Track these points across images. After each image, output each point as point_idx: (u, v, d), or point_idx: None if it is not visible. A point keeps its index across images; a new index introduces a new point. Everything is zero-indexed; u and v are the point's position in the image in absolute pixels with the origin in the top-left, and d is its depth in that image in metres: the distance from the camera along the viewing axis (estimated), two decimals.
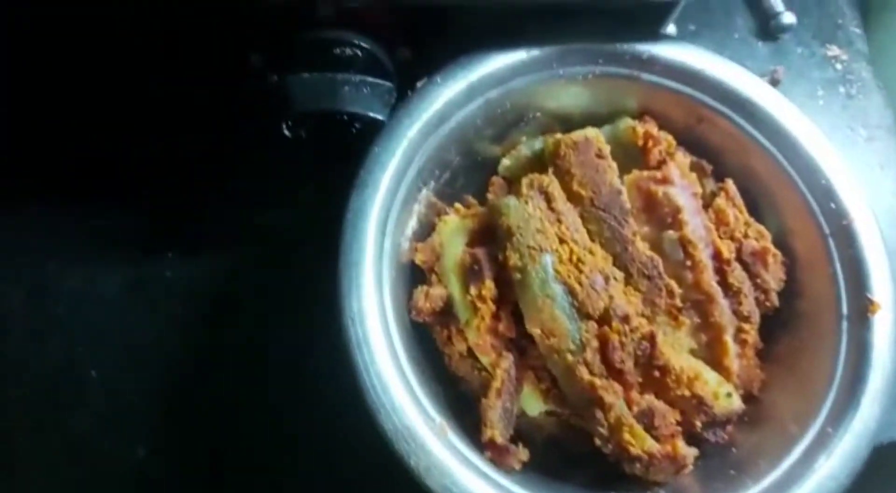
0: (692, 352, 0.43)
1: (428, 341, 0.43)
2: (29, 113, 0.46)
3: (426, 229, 0.45)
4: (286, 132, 0.38)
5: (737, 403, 0.41)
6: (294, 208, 0.47)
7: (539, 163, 0.46)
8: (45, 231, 0.46)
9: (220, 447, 0.43)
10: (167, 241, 0.47)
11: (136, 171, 0.47)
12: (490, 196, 0.46)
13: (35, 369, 0.44)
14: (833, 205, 0.42)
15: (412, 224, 0.43)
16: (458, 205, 0.46)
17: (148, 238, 0.47)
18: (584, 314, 0.39)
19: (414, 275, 0.43)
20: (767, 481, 0.38)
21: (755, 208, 0.45)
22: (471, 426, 0.40)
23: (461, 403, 0.42)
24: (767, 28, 0.59)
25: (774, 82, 0.57)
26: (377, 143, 0.39)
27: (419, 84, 0.41)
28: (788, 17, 0.58)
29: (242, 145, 0.46)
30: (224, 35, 0.39)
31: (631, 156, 0.45)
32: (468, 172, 0.47)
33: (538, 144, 0.47)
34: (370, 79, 0.40)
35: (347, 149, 0.40)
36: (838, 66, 0.60)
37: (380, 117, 0.39)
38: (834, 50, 0.60)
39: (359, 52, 0.38)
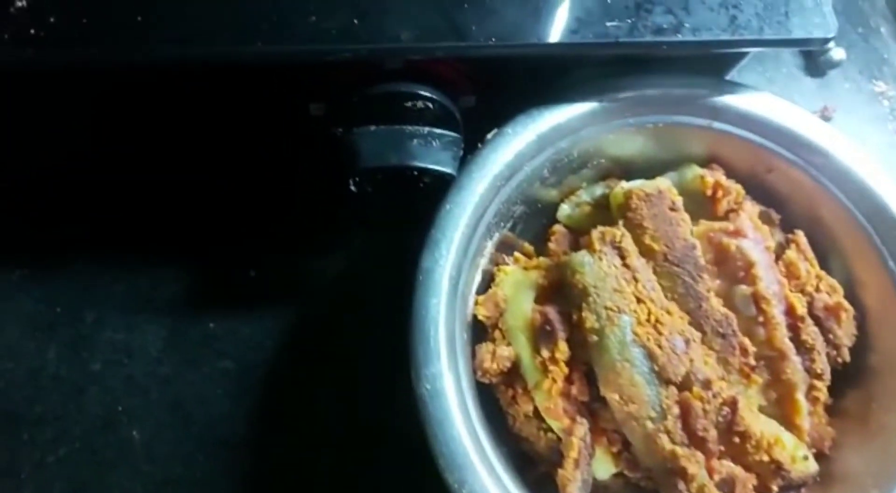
0: (761, 410, 0.42)
1: (489, 396, 0.41)
2: (72, 162, 0.43)
3: (485, 281, 0.43)
4: (352, 188, 0.36)
5: (813, 466, 0.40)
6: (347, 256, 0.45)
7: (601, 211, 0.44)
8: (84, 282, 0.44)
9: None
10: (209, 291, 0.45)
11: (180, 220, 0.45)
12: (552, 246, 0.44)
13: (72, 429, 0.42)
14: None
15: (478, 278, 0.41)
16: (517, 254, 0.44)
17: (191, 288, 0.44)
18: (664, 380, 0.37)
19: (476, 330, 0.42)
20: None
21: (822, 258, 0.44)
22: (533, 484, 0.38)
23: (522, 462, 0.40)
24: (816, 63, 0.58)
25: (825, 119, 0.56)
26: (449, 199, 0.37)
27: (489, 136, 0.39)
28: (838, 54, 0.57)
29: (295, 194, 0.44)
30: (285, 87, 0.37)
31: (698, 204, 0.44)
32: (527, 219, 0.45)
33: (599, 189, 0.45)
34: (438, 130, 0.38)
35: (414, 203, 0.38)
36: (885, 103, 0.59)
37: (450, 171, 0.37)
38: (881, 86, 0.59)
39: (428, 104, 0.36)
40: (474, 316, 0.41)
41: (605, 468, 0.39)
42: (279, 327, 0.44)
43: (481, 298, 0.42)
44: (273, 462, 0.41)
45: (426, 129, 0.37)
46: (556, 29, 0.35)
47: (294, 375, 0.44)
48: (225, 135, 0.41)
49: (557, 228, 0.45)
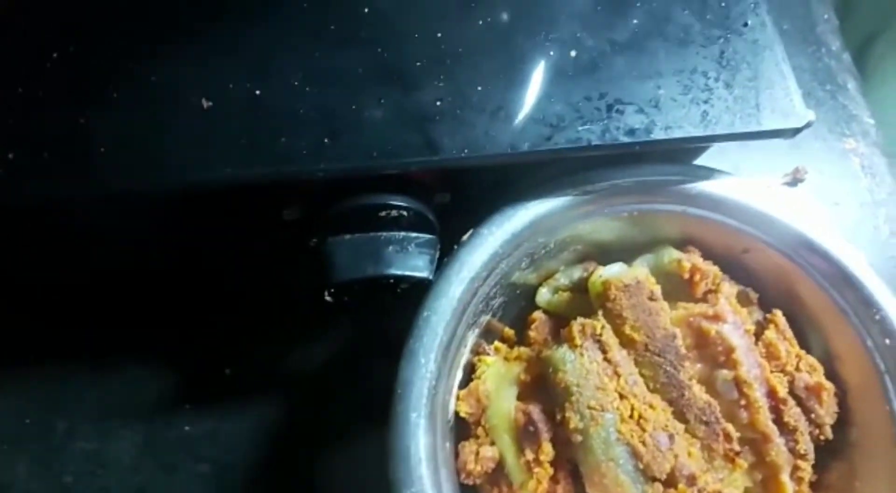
0: (747, 490, 0.41)
1: None
2: (36, 263, 0.42)
3: (466, 372, 0.42)
4: (328, 298, 0.36)
5: None
6: (325, 348, 0.44)
7: (580, 294, 0.44)
8: (53, 390, 0.43)
9: None
10: (184, 392, 0.44)
11: (152, 321, 0.44)
12: (532, 334, 0.44)
13: None
14: (888, 341, 0.41)
15: (457, 376, 0.41)
16: (498, 344, 0.44)
17: (165, 391, 0.43)
18: (649, 477, 0.37)
19: (458, 428, 0.41)
20: None
21: (801, 335, 0.44)
22: None
23: None
24: None
25: (796, 181, 0.57)
26: (426, 306, 0.37)
27: (465, 237, 0.39)
28: (808, 115, 0.58)
29: (269, 290, 0.43)
30: (257, 198, 0.36)
31: (675, 285, 0.44)
32: (506, 306, 0.44)
33: (577, 273, 0.45)
34: (413, 234, 0.37)
35: (390, 305, 0.37)
36: (855, 160, 0.59)
37: (426, 276, 0.37)
38: (851, 143, 0.60)
39: (403, 212, 0.36)
40: (456, 412, 0.41)
41: None
42: (256, 427, 0.43)
43: (463, 393, 0.41)
44: None
45: (401, 234, 0.37)
46: (529, 136, 0.35)
47: (273, 475, 0.42)
48: (195, 241, 0.40)
49: (537, 314, 0.44)
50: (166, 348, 0.44)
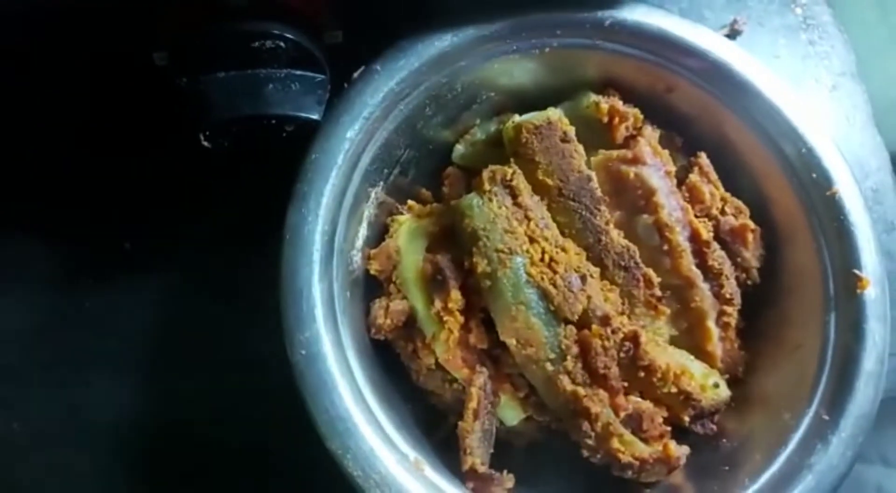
0: (672, 339, 0.40)
1: (389, 353, 0.39)
2: None
3: (378, 232, 0.40)
4: (205, 143, 0.33)
5: (724, 392, 0.39)
6: (221, 217, 0.41)
7: (496, 148, 0.42)
8: None
9: (164, 478, 0.39)
10: (83, 267, 0.41)
11: (43, 190, 0.41)
12: (445, 190, 0.42)
13: None
14: (815, 175, 0.39)
15: (362, 231, 0.38)
16: (411, 202, 0.42)
17: (62, 266, 0.41)
18: (561, 319, 0.36)
19: (369, 285, 0.39)
20: (764, 477, 0.36)
21: (729, 177, 0.42)
22: (444, 443, 0.37)
23: (431, 416, 0.39)
24: None
25: (735, 33, 0.53)
26: (314, 149, 0.34)
27: (356, 74, 0.36)
28: None
29: (159, 154, 0.40)
30: (124, 31, 0.32)
31: (595, 133, 0.41)
32: (419, 163, 0.42)
33: (493, 126, 0.42)
34: (298, 72, 0.34)
35: (282, 152, 0.35)
36: (798, 11, 0.56)
37: (314, 117, 0.34)
38: None
39: (282, 44, 0.33)
40: (368, 272, 0.39)
41: (512, 413, 0.38)
42: (159, 300, 0.41)
43: (374, 251, 0.39)
44: (164, 442, 0.39)
45: (284, 71, 0.34)
46: None
47: (177, 346, 0.41)
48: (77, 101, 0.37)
49: (451, 170, 0.42)
50: (60, 222, 0.41)
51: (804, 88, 0.53)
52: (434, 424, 0.39)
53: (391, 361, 0.39)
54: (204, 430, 0.40)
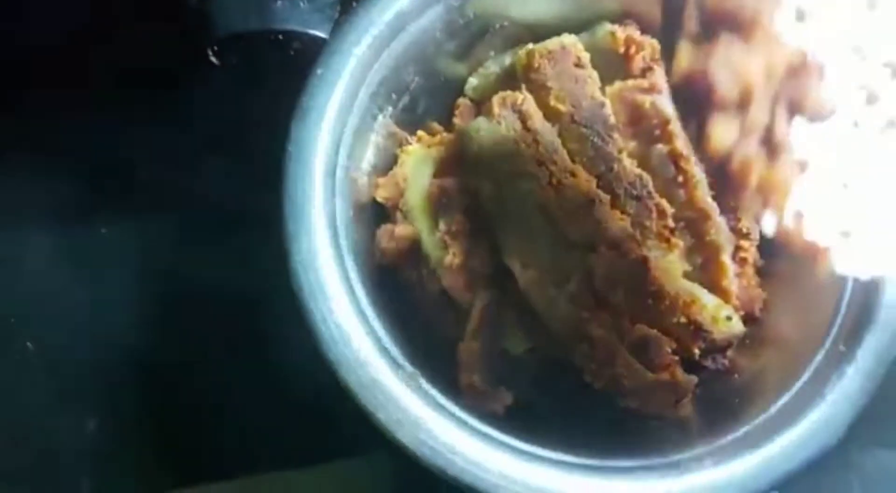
0: (686, 274, 0.39)
1: (397, 284, 0.39)
2: None
3: (387, 163, 0.40)
4: (213, 59, 0.33)
5: (737, 326, 0.38)
6: (239, 155, 0.42)
7: (511, 81, 0.41)
8: None
9: (171, 412, 0.40)
10: (98, 196, 0.42)
11: (57, 127, 0.42)
12: (457, 121, 0.41)
13: None
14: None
15: (369, 157, 0.38)
16: (421, 133, 0.41)
17: (77, 195, 0.42)
18: (566, 243, 0.35)
19: (377, 214, 0.39)
20: (775, 407, 0.35)
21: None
22: (451, 375, 0.36)
23: (439, 349, 0.39)
24: None
25: None
26: (320, 64, 0.34)
27: None
28: None
29: (170, 86, 0.40)
30: None
31: (612, 65, 0.40)
32: (431, 95, 0.42)
33: (507, 58, 0.42)
34: None
35: (289, 74, 0.35)
36: None
37: (321, 34, 0.34)
38: None
39: None
40: (377, 202, 0.39)
41: (517, 342, 0.38)
42: (171, 229, 0.42)
43: (382, 179, 0.39)
44: (173, 371, 0.40)
45: None
46: None
47: (194, 276, 0.41)
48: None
49: (462, 101, 0.42)
50: (75, 155, 0.42)
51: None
52: (441, 357, 0.39)
53: (396, 294, 0.39)
54: (213, 365, 0.41)
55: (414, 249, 0.38)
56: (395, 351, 0.33)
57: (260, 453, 0.39)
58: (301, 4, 0.33)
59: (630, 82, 0.39)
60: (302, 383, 0.36)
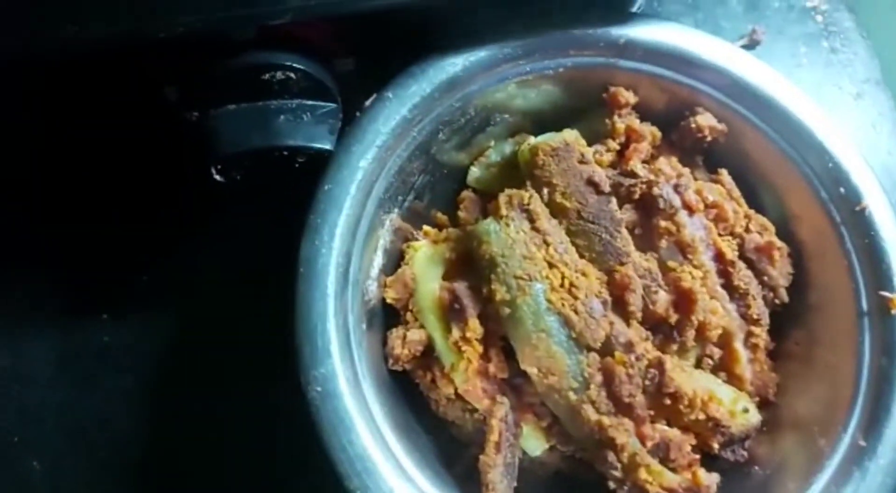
0: (699, 362, 0.39)
1: (407, 385, 0.38)
2: None
3: (394, 259, 0.40)
4: (217, 177, 0.33)
5: (754, 417, 0.38)
6: (238, 246, 0.41)
7: (512, 170, 0.41)
8: None
9: None
10: (99, 301, 0.41)
11: (56, 228, 0.41)
12: (462, 214, 0.41)
13: None
14: (843, 190, 0.38)
15: (378, 260, 0.38)
16: (427, 228, 0.41)
17: (77, 301, 0.41)
18: (583, 346, 0.35)
19: (385, 314, 0.39)
20: None
21: (752, 195, 0.41)
22: (464, 475, 0.36)
23: (451, 448, 0.38)
24: None
25: (754, 43, 0.53)
26: (327, 179, 0.34)
27: (367, 102, 0.35)
28: None
29: (173, 187, 0.40)
30: (133, 70, 0.32)
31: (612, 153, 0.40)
32: (434, 187, 0.41)
33: (508, 147, 0.42)
34: (309, 102, 0.34)
35: (295, 185, 0.34)
36: (818, 18, 0.55)
37: (326, 147, 0.33)
38: (813, 0, 0.55)
39: (292, 74, 0.32)
40: (384, 301, 0.38)
41: (536, 444, 0.37)
42: (179, 335, 0.41)
43: (390, 279, 0.39)
44: (183, 481, 0.39)
45: (295, 102, 0.33)
46: None
47: (198, 381, 0.40)
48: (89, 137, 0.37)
49: (466, 194, 0.41)
50: (75, 258, 0.41)
51: (827, 97, 0.52)
52: (454, 456, 0.38)
53: (410, 392, 0.38)
54: (220, 469, 0.40)
55: (427, 352, 0.37)
56: (417, 474, 0.32)
57: None
58: (304, 118, 0.33)
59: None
60: None
